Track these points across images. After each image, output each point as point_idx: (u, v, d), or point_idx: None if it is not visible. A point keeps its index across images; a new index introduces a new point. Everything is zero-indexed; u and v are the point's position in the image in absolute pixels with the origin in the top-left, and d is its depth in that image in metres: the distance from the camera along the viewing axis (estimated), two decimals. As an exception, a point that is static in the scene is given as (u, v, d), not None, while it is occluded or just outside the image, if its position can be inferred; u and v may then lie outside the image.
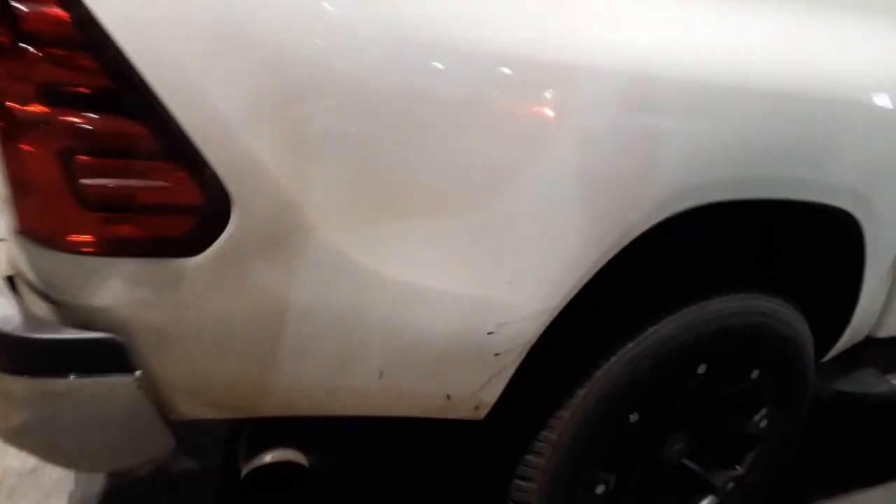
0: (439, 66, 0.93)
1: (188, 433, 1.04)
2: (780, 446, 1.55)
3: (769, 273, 1.42)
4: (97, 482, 1.66)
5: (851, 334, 1.56)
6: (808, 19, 1.18)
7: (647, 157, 1.02)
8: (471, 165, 0.97)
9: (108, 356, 0.88)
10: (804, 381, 1.48)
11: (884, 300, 1.55)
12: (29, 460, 1.69)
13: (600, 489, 1.37)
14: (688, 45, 1.04)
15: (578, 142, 0.99)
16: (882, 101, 1.23)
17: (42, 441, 0.93)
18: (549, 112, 0.98)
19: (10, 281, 1.01)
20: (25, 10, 0.77)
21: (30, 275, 0.89)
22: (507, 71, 0.96)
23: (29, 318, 0.89)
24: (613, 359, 1.22)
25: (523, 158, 0.98)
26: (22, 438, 0.93)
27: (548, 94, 0.97)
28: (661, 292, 1.26)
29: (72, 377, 0.87)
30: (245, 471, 1.07)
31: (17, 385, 0.87)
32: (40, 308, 0.90)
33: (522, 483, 1.29)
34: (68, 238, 0.84)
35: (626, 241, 1.09)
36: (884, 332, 1.63)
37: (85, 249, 0.84)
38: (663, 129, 1.03)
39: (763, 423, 1.48)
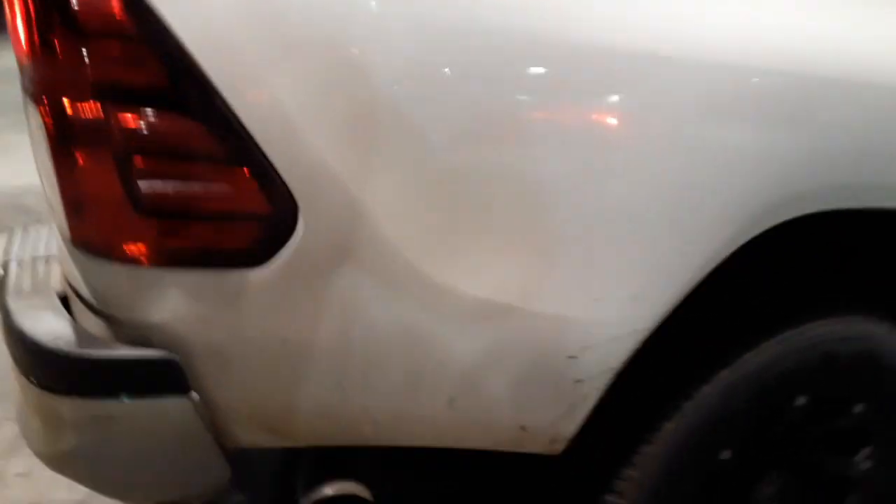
0: (517, 70, 0.85)
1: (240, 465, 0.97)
2: (886, 492, 1.39)
3: (876, 293, 1.28)
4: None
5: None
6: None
7: (754, 159, 0.92)
8: (552, 171, 0.88)
9: (164, 376, 0.81)
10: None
11: None
12: (76, 491, 1.64)
13: (691, 534, 1.24)
14: (795, 34, 0.94)
15: (675, 144, 0.90)
16: None
17: (90, 468, 0.87)
18: (642, 113, 0.89)
19: (63, 299, 0.96)
20: (78, 2, 0.72)
21: (83, 289, 0.83)
22: (591, 70, 0.88)
23: (80, 334, 0.83)
24: (707, 388, 1.11)
25: (612, 162, 0.89)
26: (69, 465, 0.87)
27: (640, 93, 0.89)
28: (759, 315, 1.15)
29: (124, 399, 0.80)
30: (305, 504, 0.98)
31: (66, 406, 0.81)
32: (94, 325, 0.84)
33: (606, 526, 1.17)
34: (124, 248, 0.78)
35: (725, 254, 0.99)
36: None
37: (141, 260, 0.78)
38: (769, 129, 0.93)
39: (866, 465, 1.33)
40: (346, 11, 0.78)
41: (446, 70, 0.81)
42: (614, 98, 0.88)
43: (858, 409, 1.26)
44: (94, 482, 0.90)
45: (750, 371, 1.12)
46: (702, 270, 0.99)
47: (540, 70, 0.86)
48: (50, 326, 0.84)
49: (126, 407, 0.81)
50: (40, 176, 0.89)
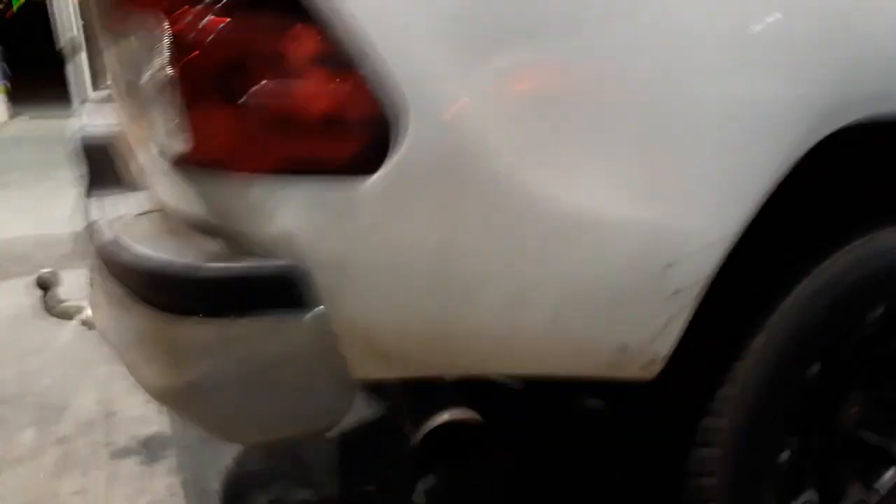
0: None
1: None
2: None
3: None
4: None
5: None
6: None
7: (811, 65, 0.96)
8: (648, 77, 0.91)
9: (292, 288, 0.80)
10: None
11: None
12: (139, 501, 1.60)
13: (784, 456, 1.23)
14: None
15: (756, 48, 0.93)
16: None
17: (213, 399, 0.84)
18: (723, 23, 0.93)
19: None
20: None
21: (193, 209, 0.83)
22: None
23: (204, 252, 0.82)
24: (788, 301, 1.12)
25: (701, 72, 0.92)
26: (190, 398, 0.84)
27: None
28: (828, 225, 1.17)
29: (252, 316, 0.79)
30: (420, 434, 0.96)
31: (188, 330, 0.79)
32: (204, 245, 0.84)
33: (704, 451, 1.16)
34: (241, 160, 0.78)
35: (796, 157, 1.01)
36: None
37: (258, 171, 0.78)
38: (821, 38, 0.97)
39: (944, 380, 1.34)
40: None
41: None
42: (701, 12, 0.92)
43: (932, 319, 1.27)
44: (213, 417, 0.87)
45: (824, 282, 1.13)
46: (777, 175, 1.01)
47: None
48: (168, 248, 0.83)
49: (254, 324, 0.80)
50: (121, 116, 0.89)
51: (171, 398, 0.87)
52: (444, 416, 0.97)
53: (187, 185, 0.83)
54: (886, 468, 1.38)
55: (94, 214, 1.04)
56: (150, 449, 1.81)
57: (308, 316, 0.82)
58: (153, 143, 0.88)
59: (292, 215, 0.80)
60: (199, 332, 0.80)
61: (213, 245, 0.84)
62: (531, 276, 0.93)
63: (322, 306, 0.83)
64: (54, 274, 1.45)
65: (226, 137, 0.78)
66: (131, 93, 0.88)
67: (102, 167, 1.78)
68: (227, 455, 1.77)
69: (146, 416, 1.95)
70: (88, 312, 1.46)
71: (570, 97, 0.87)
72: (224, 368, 0.82)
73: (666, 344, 1.05)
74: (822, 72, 0.98)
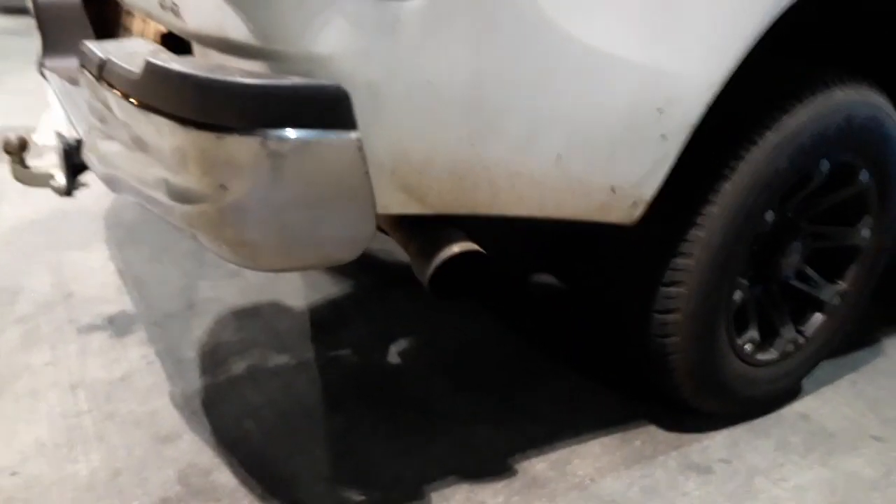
0: None
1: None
2: (877, 262, 1.60)
3: (878, 69, 1.46)
4: (193, 381, 1.59)
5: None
6: None
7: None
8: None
9: (336, 107, 0.84)
10: (901, 187, 1.53)
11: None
12: (115, 369, 1.62)
13: (737, 295, 1.39)
14: None
15: None
16: None
17: (246, 221, 0.87)
18: None
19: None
20: None
21: (239, 31, 0.84)
22: None
23: (247, 70, 0.84)
24: (756, 149, 1.24)
25: None
26: (234, 217, 0.87)
27: None
28: (794, 81, 1.28)
29: (300, 132, 0.82)
30: (434, 264, 1.03)
31: (240, 146, 0.82)
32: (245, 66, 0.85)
33: (671, 290, 1.29)
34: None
35: (774, 14, 1.10)
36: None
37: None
38: None
39: (865, 233, 1.52)
40: None
41: None
42: None
43: (864, 177, 1.44)
44: (248, 239, 0.89)
45: (790, 132, 1.26)
46: (757, 30, 1.10)
47: None
48: (210, 67, 0.84)
49: (296, 140, 0.83)
50: None
51: (206, 220, 0.89)
52: (454, 249, 1.04)
53: (234, 7, 0.83)
54: (813, 313, 1.57)
55: (99, 53, 1.02)
56: (116, 325, 1.81)
57: (346, 137, 0.86)
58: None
59: (336, 35, 0.83)
60: (245, 148, 0.82)
61: (249, 65, 0.85)
62: (545, 112, 1.00)
63: (359, 130, 0.86)
64: (21, 138, 1.39)
65: None
66: None
67: (60, 32, 1.69)
68: (196, 329, 1.80)
69: (106, 296, 1.94)
70: (59, 178, 1.41)
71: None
72: (265, 187, 0.85)
73: (650, 187, 1.15)
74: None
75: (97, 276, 2.05)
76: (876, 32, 1.44)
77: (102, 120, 1.03)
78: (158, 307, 1.90)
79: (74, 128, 1.34)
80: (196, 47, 0.92)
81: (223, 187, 0.85)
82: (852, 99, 1.32)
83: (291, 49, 0.83)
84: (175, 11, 0.94)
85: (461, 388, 1.61)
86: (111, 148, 1.02)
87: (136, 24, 1.47)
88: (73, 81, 1.56)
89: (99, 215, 2.45)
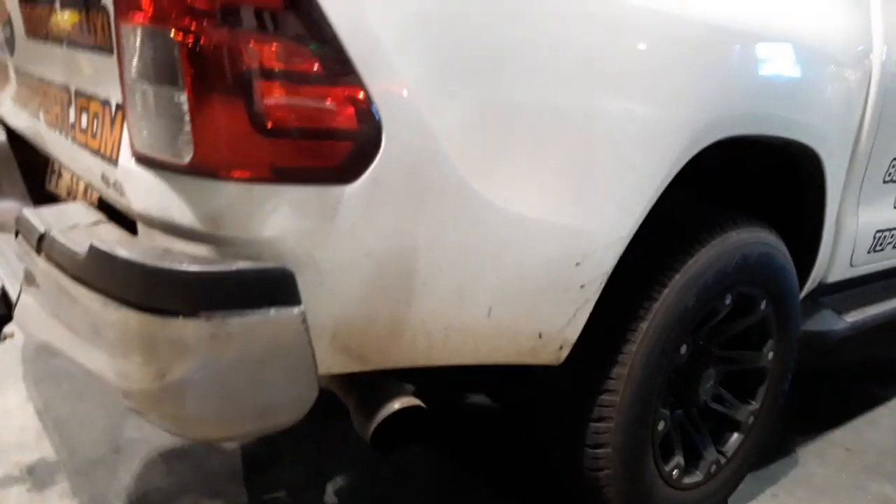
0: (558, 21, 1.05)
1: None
2: (783, 380, 1.72)
3: (766, 211, 1.62)
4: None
5: (814, 274, 1.79)
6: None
7: (687, 96, 1.20)
8: (565, 109, 1.08)
9: (281, 288, 0.88)
10: (797, 311, 1.68)
11: (832, 245, 1.81)
12: None
13: (661, 426, 1.46)
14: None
15: (644, 85, 1.15)
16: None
17: (188, 399, 0.89)
18: (615, 61, 1.13)
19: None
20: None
21: (184, 217, 0.88)
22: (600, 24, 1.10)
23: (193, 256, 0.88)
24: (666, 290, 1.35)
25: (602, 103, 1.12)
26: (177, 396, 0.88)
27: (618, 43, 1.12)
28: (696, 227, 1.42)
29: (241, 315, 0.86)
30: (375, 422, 1.06)
31: (186, 329, 0.84)
32: (186, 249, 0.89)
33: (600, 425, 1.36)
34: (244, 166, 0.85)
35: (675, 170, 1.24)
36: (832, 277, 1.89)
37: (256, 177, 0.86)
38: (705, 72, 1.21)
39: (770, 356, 1.65)
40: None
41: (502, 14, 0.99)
42: (607, 48, 1.11)
43: (763, 305, 1.57)
44: (190, 417, 0.91)
45: (695, 273, 1.38)
46: (661, 185, 1.23)
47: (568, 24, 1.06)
48: (157, 252, 0.87)
49: (243, 321, 0.86)
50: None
51: (148, 398, 0.90)
52: (395, 405, 1.08)
53: (181, 194, 0.88)
54: (732, 433, 1.67)
55: (38, 226, 1.04)
56: (36, 475, 1.72)
57: (290, 313, 0.90)
58: (137, 150, 0.92)
59: (282, 221, 0.88)
60: (191, 331, 0.85)
61: (194, 249, 0.89)
62: (474, 272, 1.08)
63: (302, 304, 0.91)
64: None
65: (228, 146, 0.85)
66: (126, 104, 0.91)
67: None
68: (124, 475, 1.74)
69: (24, 442, 1.85)
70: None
71: (508, 121, 1.03)
72: (210, 366, 0.87)
73: (574, 331, 1.24)
74: (695, 99, 1.22)
75: (14, 419, 1.96)
76: (765, 178, 1.62)
77: (38, 289, 1.04)
78: (82, 452, 1.82)
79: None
80: (140, 226, 0.96)
81: (166, 368, 0.87)
82: (746, 238, 1.46)
83: (238, 234, 0.88)
84: (119, 190, 0.98)
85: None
86: (46, 317, 1.03)
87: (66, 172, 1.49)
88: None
89: (15, 348, 2.36)
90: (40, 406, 2.03)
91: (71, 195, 1.49)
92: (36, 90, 1.48)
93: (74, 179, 1.46)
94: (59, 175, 1.62)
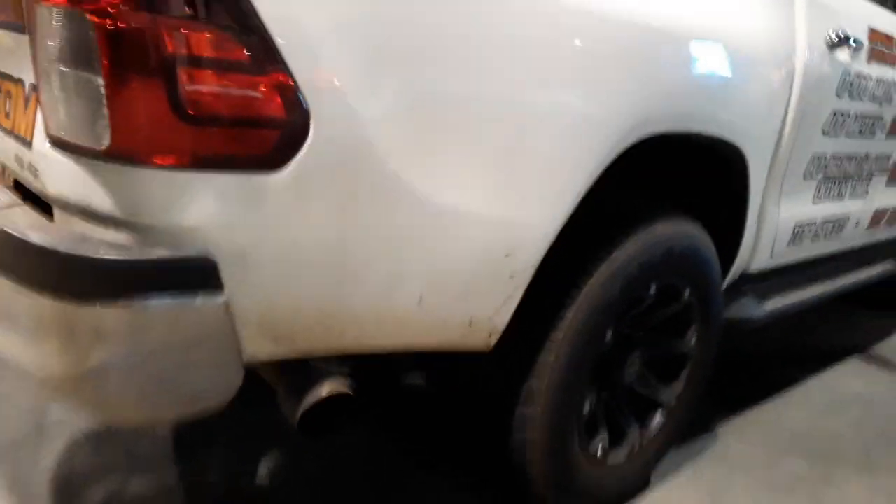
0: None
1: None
2: (705, 363, 1.80)
3: (693, 203, 1.67)
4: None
5: (737, 264, 1.87)
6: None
7: (621, 93, 1.23)
8: (495, 100, 1.10)
9: (201, 275, 0.87)
10: (720, 300, 1.75)
11: (754, 238, 1.88)
12: None
13: (586, 408, 1.51)
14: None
15: (574, 79, 1.17)
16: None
17: (114, 384, 0.88)
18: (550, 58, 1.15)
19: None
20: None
21: (104, 203, 0.86)
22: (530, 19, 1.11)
23: (111, 243, 0.86)
24: (592, 280, 1.39)
25: (534, 97, 1.14)
26: (91, 385, 0.87)
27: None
28: (622, 219, 1.46)
29: (160, 301, 0.85)
30: (303, 407, 1.07)
31: (109, 316, 0.83)
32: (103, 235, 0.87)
33: (526, 408, 1.39)
34: (164, 152, 0.84)
35: (604, 165, 1.27)
36: (754, 267, 1.97)
37: (178, 164, 0.85)
38: (632, 70, 1.24)
39: (693, 341, 1.72)
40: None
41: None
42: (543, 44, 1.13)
43: (687, 294, 1.63)
44: (110, 402, 0.89)
45: (620, 264, 1.42)
46: (590, 179, 1.26)
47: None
48: (73, 239, 0.85)
49: (164, 309, 0.85)
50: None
51: (68, 385, 0.89)
52: (322, 392, 1.09)
53: (99, 179, 0.86)
54: (655, 414, 1.73)
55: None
56: (-47, 458, 1.67)
57: (213, 301, 0.89)
58: (53, 134, 0.89)
59: (204, 208, 0.87)
60: (110, 318, 0.84)
61: (113, 235, 0.88)
62: (405, 262, 1.09)
63: (224, 292, 0.90)
64: None
65: (147, 133, 0.83)
66: (41, 86, 0.88)
67: None
68: (47, 456, 1.70)
69: (-59, 425, 1.79)
70: None
71: (438, 113, 1.04)
72: (129, 353, 0.86)
73: (503, 318, 1.26)
74: (623, 96, 1.25)
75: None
76: (691, 173, 1.67)
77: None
78: (2, 434, 1.77)
79: None
80: (56, 209, 0.93)
81: (84, 355, 0.85)
82: (671, 230, 1.51)
83: (158, 222, 0.87)
84: (34, 173, 0.95)
85: (330, 506, 1.62)
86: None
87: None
88: None
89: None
90: (-41, 386, 1.97)
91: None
92: None
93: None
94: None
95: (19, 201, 1.04)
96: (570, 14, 1.14)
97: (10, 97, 1.05)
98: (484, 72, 1.07)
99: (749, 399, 2.32)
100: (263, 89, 0.87)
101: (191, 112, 0.84)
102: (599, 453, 1.59)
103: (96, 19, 0.79)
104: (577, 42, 1.18)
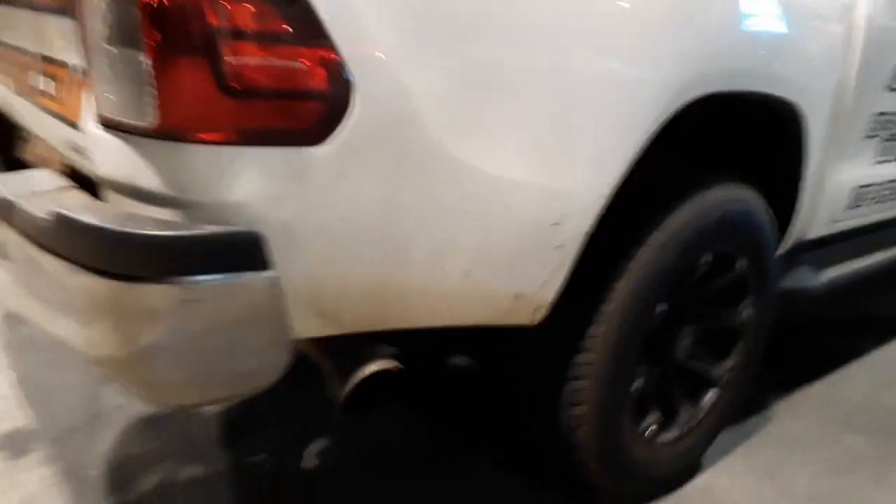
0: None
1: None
2: (759, 337, 1.74)
3: (746, 169, 1.61)
4: None
5: (793, 231, 1.80)
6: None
7: (672, 52, 1.19)
8: (542, 69, 1.07)
9: (250, 252, 0.86)
10: (775, 270, 1.69)
11: (812, 202, 1.81)
12: (12, 497, 1.53)
13: (637, 383, 1.47)
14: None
15: (622, 41, 1.13)
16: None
17: (160, 365, 0.88)
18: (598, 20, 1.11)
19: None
20: None
21: (152, 181, 0.86)
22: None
23: (160, 221, 0.86)
24: (644, 249, 1.34)
25: (581, 64, 1.10)
26: (148, 362, 0.87)
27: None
28: (674, 184, 1.41)
29: (214, 277, 0.84)
30: (351, 384, 1.06)
31: (155, 294, 0.83)
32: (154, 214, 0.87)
33: (576, 383, 1.36)
34: (210, 128, 0.83)
35: (654, 128, 1.22)
36: (812, 233, 1.89)
37: (223, 140, 0.84)
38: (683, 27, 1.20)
39: (747, 314, 1.66)
40: None
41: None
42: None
43: (741, 263, 1.58)
44: (161, 381, 0.90)
45: (673, 231, 1.37)
46: (640, 145, 1.22)
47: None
48: (123, 217, 0.85)
49: (213, 286, 0.85)
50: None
51: (119, 364, 0.89)
52: (369, 369, 1.07)
53: (147, 157, 0.86)
54: (707, 390, 1.68)
55: (3, 193, 1.01)
56: (13, 444, 1.71)
57: (261, 277, 0.89)
58: (102, 115, 0.89)
59: (249, 184, 0.86)
60: (159, 297, 0.84)
61: (162, 213, 0.87)
62: (451, 234, 1.06)
63: (274, 269, 0.89)
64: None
65: (193, 108, 0.82)
66: (89, 67, 0.89)
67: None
68: (103, 441, 1.73)
69: (2, 411, 1.83)
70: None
71: (487, 83, 1.01)
72: (180, 332, 0.86)
73: (551, 291, 1.23)
74: (674, 55, 1.20)
75: (-12, 392, 1.94)
76: (745, 135, 1.60)
77: (6, 258, 1.02)
78: (60, 420, 1.81)
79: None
80: (105, 190, 0.93)
81: (135, 335, 0.85)
82: (726, 197, 1.46)
83: (205, 198, 0.86)
84: (84, 155, 0.95)
85: (377, 489, 1.61)
86: (15, 286, 1.01)
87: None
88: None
89: (-9, 317, 2.33)
90: (19, 374, 2.01)
91: (41, 162, 1.46)
92: (4, 57, 1.44)
93: (44, 146, 1.43)
94: (29, 142, 1.58)
95: (70, 185, 1.04)
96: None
97: (61, 82, 1.06)
98: (529, 39, 1.04)
99: (804, 373, 2.24)
100: (307, 62, 0.86)
101: (235, 86, 0.83)
102: (649, 432, 1.55)
103: (141, 6, 0.78)
104: (623, 3, 1.14)
